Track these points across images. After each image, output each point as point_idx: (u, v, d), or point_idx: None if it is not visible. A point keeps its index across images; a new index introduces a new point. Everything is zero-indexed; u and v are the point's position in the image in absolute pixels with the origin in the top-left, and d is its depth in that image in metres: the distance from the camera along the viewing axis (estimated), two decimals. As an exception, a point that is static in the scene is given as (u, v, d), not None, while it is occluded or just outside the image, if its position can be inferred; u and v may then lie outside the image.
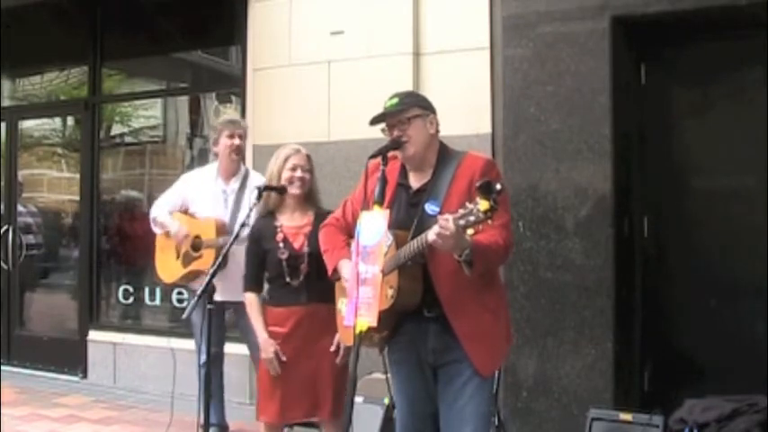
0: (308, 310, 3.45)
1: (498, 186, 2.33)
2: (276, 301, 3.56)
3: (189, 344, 4.91)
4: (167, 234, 4.59)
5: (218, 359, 4.67)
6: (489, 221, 2.37)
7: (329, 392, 3.44)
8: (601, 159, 4.32)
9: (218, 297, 4.40)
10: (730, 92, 4.41)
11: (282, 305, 3.53)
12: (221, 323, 4.68)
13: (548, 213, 4.43)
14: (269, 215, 3.62)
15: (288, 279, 3.49)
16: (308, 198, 3.61)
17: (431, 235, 2.50)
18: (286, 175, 3.56)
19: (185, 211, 4.62)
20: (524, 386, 4.45)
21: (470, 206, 2.37)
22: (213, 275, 3.58)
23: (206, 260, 4.37)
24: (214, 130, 4.63)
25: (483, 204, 2.33)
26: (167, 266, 4.65)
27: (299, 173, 3.56)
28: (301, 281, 3.47)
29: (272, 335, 3.51)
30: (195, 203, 4.59)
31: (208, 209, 4.52)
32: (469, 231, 2.41)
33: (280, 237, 3.52)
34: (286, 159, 3.58)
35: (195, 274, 4.49)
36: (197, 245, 4.45)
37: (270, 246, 3.53)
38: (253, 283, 3.62)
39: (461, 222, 2.39)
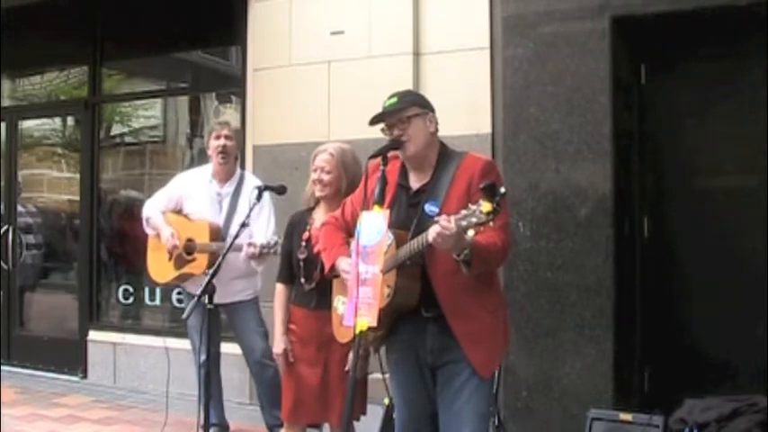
0: (315, 315, 3.41)
1: (502, 189, 2.33)
2: (293, 300, 3.56)
3: (188, 344, 4.90)
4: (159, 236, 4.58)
5: (216, 359, 4.65)
6: (491, 223, 2.37)
7: (339, 399, 3.37)
8: (601, 159, 4.32)
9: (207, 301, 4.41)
10: (730, 92, 4.41)
11: (296, 305, 3.53)
12: (217, 324, 4.68)
13: (548, 213, 4.43)
14: (309, 210, 3.60)
15: (303, 280, 3.47)
16: (340, 200, 3.31)
17: (431, 234, 2.50)
18: (313, 175, 3.51)
19: (179, 211, 4.59)
20: (524, 386, 4.45)
21: (473, 207, 2.37)
22: (213, 275, 3.58)
23: (199, 263, 4.34)
24: (208, 135, 4.64)
25: (486, 206, 2.33)
26: (159, 267, 4.60)
27: (317, 174, 3.48)
28: (313, 286, 3.43)
29: (290, 332, 3.52)
30: (189, 204, 4.56)
31: (202, 211, 4.49)
32: (470, 233, 2.41)
33: (305, 236, 3.49)
34: (314, 159, 3.52)
35: (187, 277, 4.47)
36: (190, 248, 4.40)
37: (296, 242, 3.51)
38: (283, 275, 3.60)
39: (463, 223, 2.39)
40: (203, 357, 4.46)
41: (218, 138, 4.48)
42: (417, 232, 2.65)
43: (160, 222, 4.53)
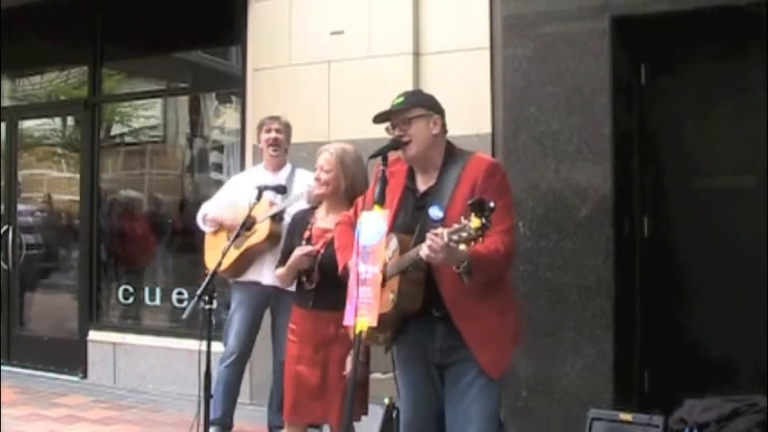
0: (312, 315, 3.42)
1: (491, 204, 2.32)
2: (294, 299, 3.57)
3: (190, 344, 4.91)
4: (217, 231, 4.57)
5: (244, 359, 4.65)
6: (481, 239, 2.36)
7: (337, 400, 3.35)
8: (601, 159, 4.32)
9: (266, 280, 4.39)
10: (730, 92, 4.41)
11: (296, 305, 3.54)
12: (257, 323, 4.67)
13: (548, 213, 4.43)
14: (312, 209, 3.62)
15: (304, 278, 3.48)
16: (340, 200, 3.44)
17: (423, 251, 2.50)
18: (314, 174, 3.54)
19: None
20: (524, 386, 4.45)
21: (464, 222, 2.36)
22: (213, 275, 3.58)
23: (259, 234, 4.30)
24: (259, 129, 4.72)
25: (474, 222, 2.32)
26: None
27: (316, 173, 3.50)
28: (313, 287, 3.43)
29: (290, 331, 3.52)
30: (243, 199, 4.45)
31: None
32: (462, 247, 2.39)
33: (306, 235, 3.50)
34: (317, 158, 3.54)
35: (249, 256, 4.40)
36: (249, 224, 4.31)
37: (297, 241, 3.51)
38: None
39: (454, 238, 2.38)
40: (231, 358, 4.50)
41: (269, 131, 4.63)
42: (421, 236, 2.63)
43: (218, 213, 4.56)
